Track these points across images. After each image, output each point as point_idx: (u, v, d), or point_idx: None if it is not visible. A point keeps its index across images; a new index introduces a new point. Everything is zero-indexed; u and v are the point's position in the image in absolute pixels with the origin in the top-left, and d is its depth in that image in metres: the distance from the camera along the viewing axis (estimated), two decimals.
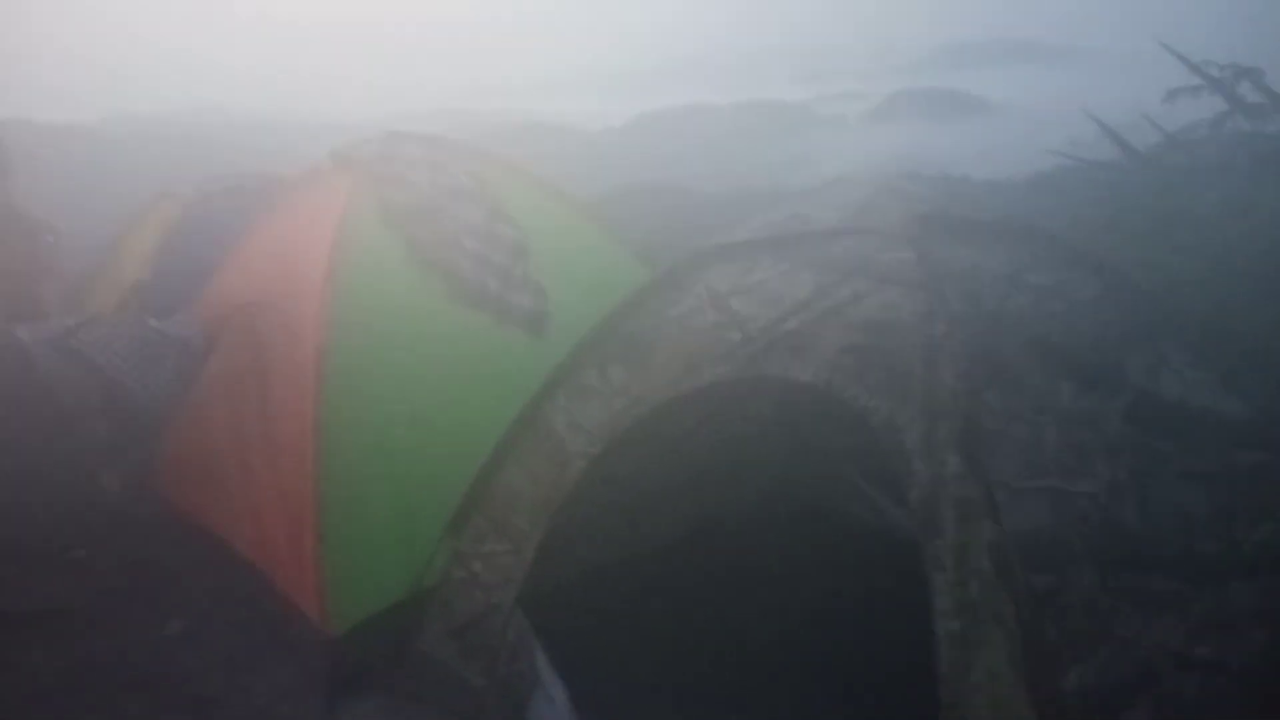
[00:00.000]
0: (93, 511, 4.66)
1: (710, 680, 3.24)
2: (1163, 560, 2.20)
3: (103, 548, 4.44)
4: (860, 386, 2.27)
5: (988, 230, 2.65)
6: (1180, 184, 5.84)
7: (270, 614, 3.61)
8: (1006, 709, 2.02)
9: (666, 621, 3.48)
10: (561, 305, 4.00)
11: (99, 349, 3.96)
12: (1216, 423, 2.49)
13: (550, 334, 3.90)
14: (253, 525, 3.72)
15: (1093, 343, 2.54)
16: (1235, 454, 2.45)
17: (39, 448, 4.39)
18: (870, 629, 3.30)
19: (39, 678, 3.60)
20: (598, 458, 2.88)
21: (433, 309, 3.85)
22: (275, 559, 3.55)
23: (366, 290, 3.74)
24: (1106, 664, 2.03)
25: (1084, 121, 8.13)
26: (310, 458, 3.38)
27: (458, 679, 3.09)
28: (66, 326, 4.06)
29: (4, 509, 4.21)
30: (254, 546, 3.71)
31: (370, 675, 3.33)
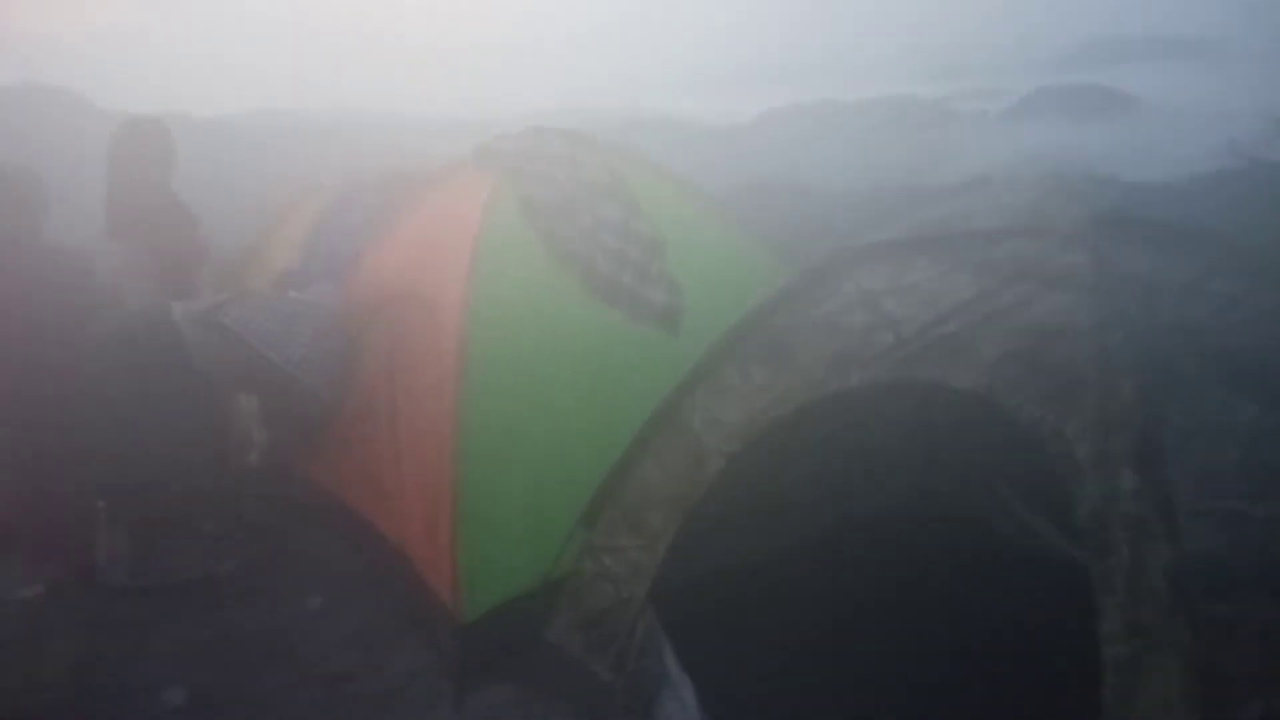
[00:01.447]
0: (238, 486, 4.90)
1: (841, 688, 3.15)
2: None
3: (246, 522, 4.67)
4: (1025, 395, 2.15)
5: (1166, 234, 2.47)
6: None
7: (407, 595, 3.71)
8: None
9: (797, 626, 3.40)
10: (696, 302, 3.96)
11: (241, 323, 4.11)
12: None
13: (685, 331, 3.87)
14: (393, 507, 3.82)
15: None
16: None
17: (186, 421, 4.61)
18: (1014, 647, 3.15)
19: (185, 644, 3.80)
20: (735, 456, 2.83)
21: (569, 303, 3.88)
22: (413, 542, 3.64)
23: (506, 283, 3.79)
24: None
25: (1243, 120, 7.62)
26: (450, 444, 3.45)
27: (585, 672, 3.09)
28: (213, 303, 4.23)
29: (152, 482, 4.45)
30: (394, 528, 3.82)
31: (499, 664, 3.37)
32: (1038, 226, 2.38)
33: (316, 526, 4.44)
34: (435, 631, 3.54)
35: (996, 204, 2.56)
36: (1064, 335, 2.18)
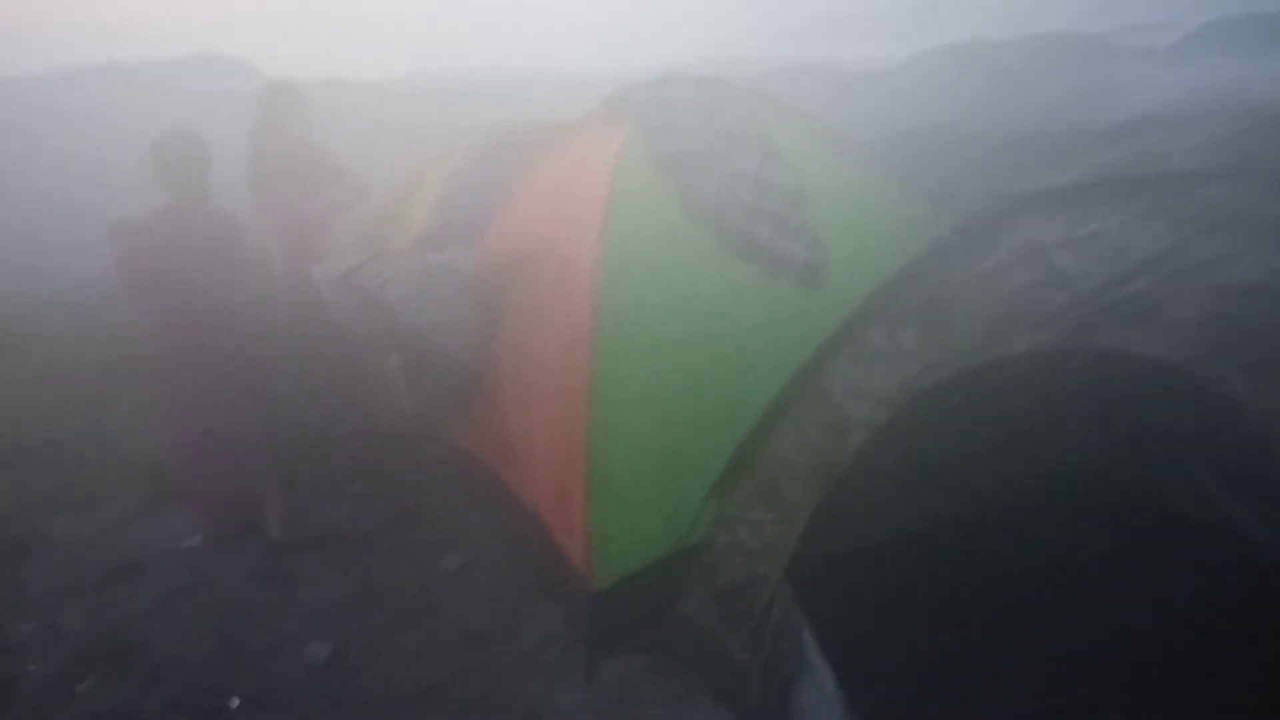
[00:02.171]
0: (379, 444, 4.99)
1: (998, 681, 2.90)
2: None
3: (387, 480, 4.76)
4: (1230, 366, 1.84)
5: None
6: None
7: (542, 558, 3.67)
8: None
9: (948, 611, 3.16)
10: (842, 257, 3.70)
11: (379, 286, 4.13)
12: None
13: (829, 288, 3.63)
14: (525, 470, 3.78)
15: None
16: None
17: (328, 381, 4.71)
18: (1194, 633, 2.81)
19: (330, 600, 3.90)
20: (881, 428, 2.61)
21: (704, 259, 3.69)
22: (546, 506, 3.59)
23: (639, 239, 3.64)
24: None
25: None
26: (582, 408, 3.35)
27: (720, 649, 2.96)
28: (350, 265, 4.27)
29: (295, 440, 4.56)
30: (527, 491, 3.78)
31: (632, 634, 3.29)
32: (1243, 168, 2.04)
33: (457, 486, 4.47)
34: (569, 596, 3.48)
35: (1183, 144, 2.21)
36: (1275, 296, 1.85)
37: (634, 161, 3.82)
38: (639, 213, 3.73)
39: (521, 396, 3.89)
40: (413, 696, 3.33)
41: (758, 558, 2.90)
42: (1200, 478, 3.15)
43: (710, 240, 3.74)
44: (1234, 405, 1.85)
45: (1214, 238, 1.98)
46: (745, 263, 3.70)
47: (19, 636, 3.80)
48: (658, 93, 4.04)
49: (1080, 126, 8.09)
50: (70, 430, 6.28)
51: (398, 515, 4.46)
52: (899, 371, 2.56)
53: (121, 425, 6.22)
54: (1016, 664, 2.92)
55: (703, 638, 3.03)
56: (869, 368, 2.64)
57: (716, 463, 3.06)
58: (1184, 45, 20.31)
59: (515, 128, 5.81)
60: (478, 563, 4.04)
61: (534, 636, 3.55)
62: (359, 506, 4.59)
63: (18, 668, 3.63)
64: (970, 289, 2.42)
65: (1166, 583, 3.04)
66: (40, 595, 4.10)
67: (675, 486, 3.33)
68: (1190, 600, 2.94)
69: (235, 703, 3.35)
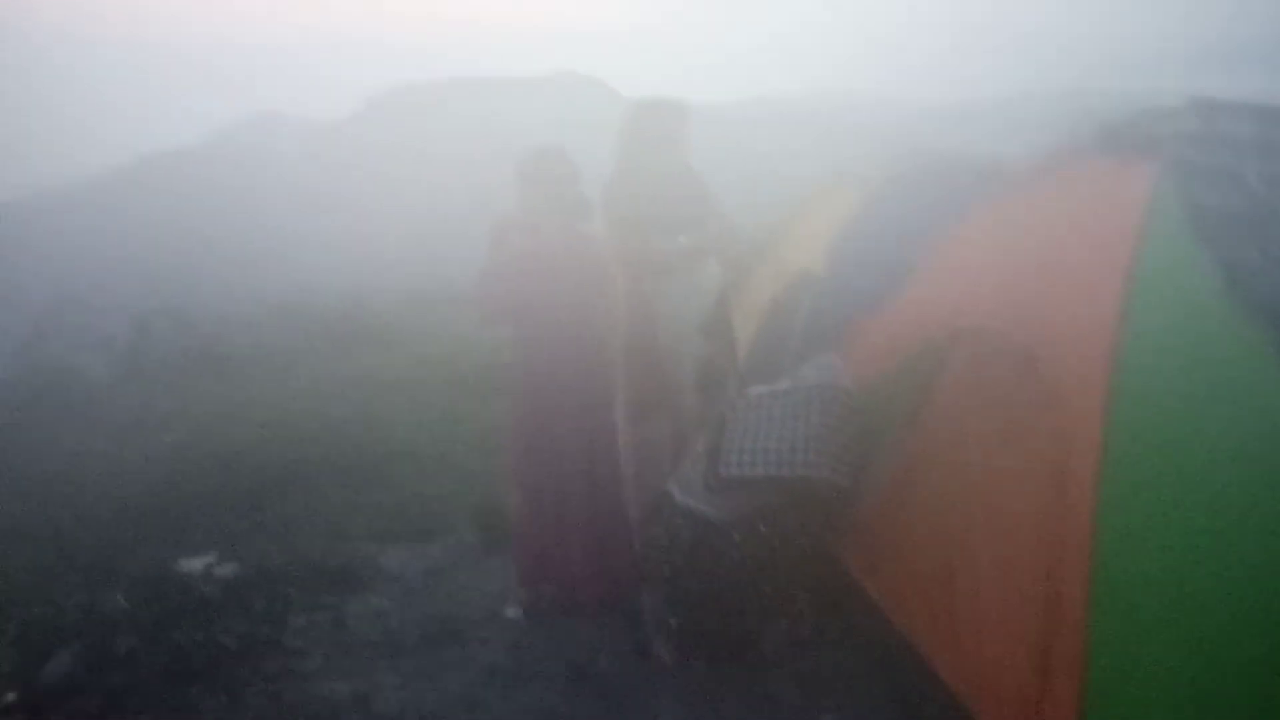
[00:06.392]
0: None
1: None
2: None
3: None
4: None
5: None
6: None
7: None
8: None
9: None
10: None
11: (744, 464, 3.27)
12: None
13: None
14: (944, 629, 2.75)
15: None
16: None
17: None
18: None
19: None
20: None
21: (1259, 374, 2.49)
22: (985, 692, 2.54)
23: (1169, 333, 2.52)
24: None
25: None
26: (1075, 575, 2.29)
27: None
28: (705, 464, 3.46)
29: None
30: (943, 655, 2.75)
31: None
32: None
33: (839, 622, 3.47)
34: None
35: None
36: None
37: (1165, 219, 2.68)
38: (1168, 294, 2.60)
39: (940, 527, 2.87)
40: None
41: None
42: None
43: (1269, 346, 2.53)
44: None
45: None
46: None
47: (331, 699, 3.37)
48: (1201, 124, 2.87)
49: None
50: (418, 445, 6.13)
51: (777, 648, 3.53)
52: None
53: (468, 446, 5.96)
54: None
55: None
56: None
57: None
58: None
59: (928, 161, 4.79)
60: None
61: None
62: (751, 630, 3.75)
63: None
64: None
65: None
66: (357, 649, 3.68)
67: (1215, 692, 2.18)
68: None
69: None
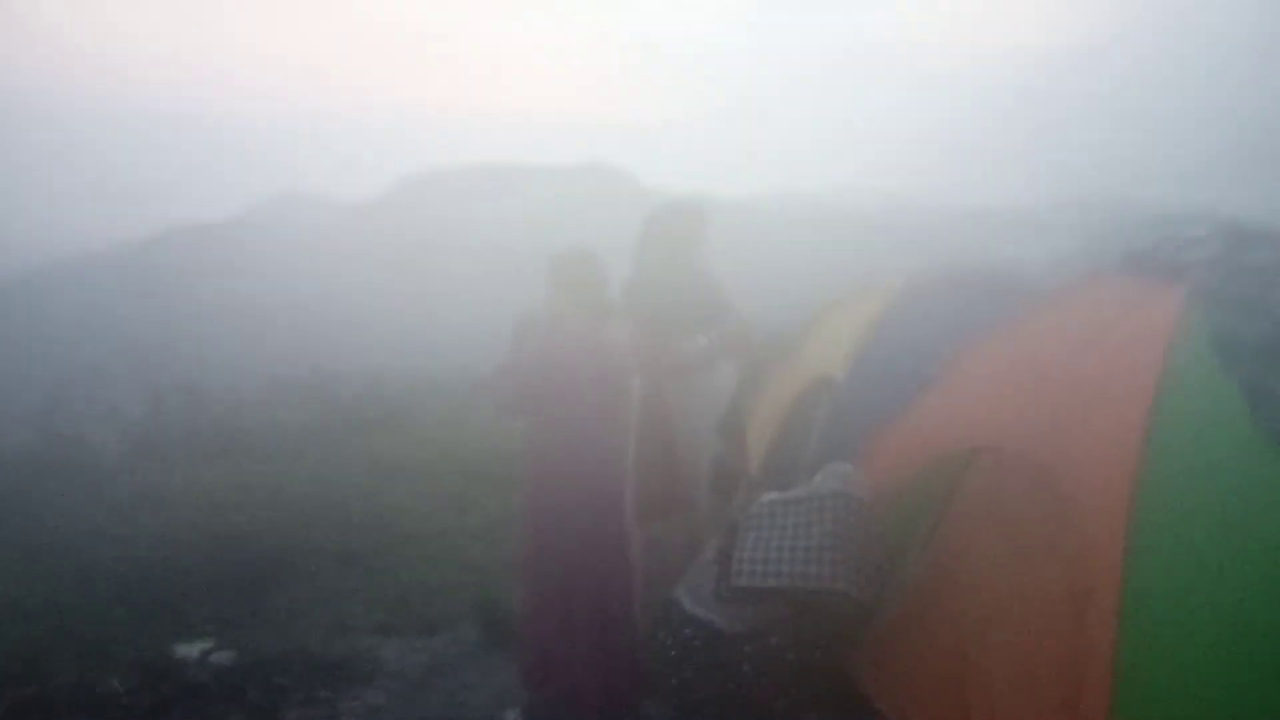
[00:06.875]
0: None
1: None
2: None
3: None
4: None
5: None
6: None
7: None
8: None
9: None
10: None
11: (755, 576, 3.23)
12: None
13: None
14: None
15: None
16: None
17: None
18: None
19: None
20: None
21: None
22: None
23: (1194, 461, 2.47)
24: None
25: None
26: (1098, 687, 2.20)
27: None
28: (716, 573, 3.43)
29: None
30: None
31: None
32: None
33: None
34: None
35: None
36: None
37: (1191, 345, 2.67)
38: (1192, 419, 2.56)
39: (956, 650, 2.78)
40: None
41: None
42: None
43: None
44: None
45: None
46: None
47: None
48: (1227, 251, 2.87)
49: None
50: (425, 532, 6.03)
51: None
52: None
53: (474, 536, 5.87)
54: None
55: None
56: None
57: None
58: None
59: (953, 269, 4.78)
60: None
61: None
62: None
63: None
64: None
65: None
66: None
67: None
68: None
69: None
